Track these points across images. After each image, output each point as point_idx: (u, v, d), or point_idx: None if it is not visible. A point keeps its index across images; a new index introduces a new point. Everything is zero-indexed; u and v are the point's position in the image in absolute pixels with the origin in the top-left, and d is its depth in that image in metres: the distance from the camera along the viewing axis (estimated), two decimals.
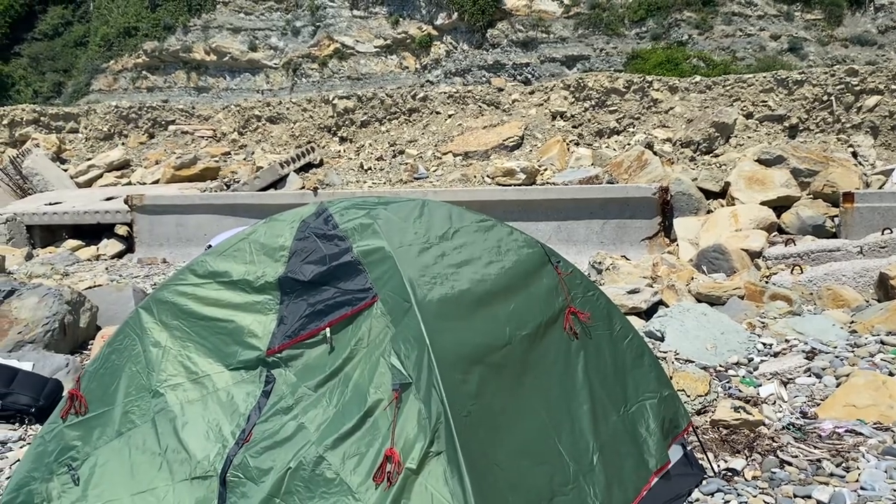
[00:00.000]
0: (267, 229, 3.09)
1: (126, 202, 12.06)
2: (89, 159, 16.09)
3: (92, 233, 12.95)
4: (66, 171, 15.73)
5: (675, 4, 16.70)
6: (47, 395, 4.79)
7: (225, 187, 13.23)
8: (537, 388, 2.91)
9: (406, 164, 12.50)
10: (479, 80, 18.39)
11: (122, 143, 16.89)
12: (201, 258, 3.17)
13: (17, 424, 4.66)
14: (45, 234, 13.09)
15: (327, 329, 2.78)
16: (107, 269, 10.89)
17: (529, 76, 18.22)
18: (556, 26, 18.09)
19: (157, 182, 14.26)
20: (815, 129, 12.15)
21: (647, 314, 6.95)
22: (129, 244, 12.45)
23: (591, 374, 3.17)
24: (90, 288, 8.05)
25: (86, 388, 3.13)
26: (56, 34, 27.49)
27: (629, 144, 12.24)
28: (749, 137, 11.83)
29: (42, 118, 17.71)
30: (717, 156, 11.50)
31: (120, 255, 12.34)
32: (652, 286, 7.53)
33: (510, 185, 10.81)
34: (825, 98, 12.14)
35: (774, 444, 3.92)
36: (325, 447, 2.61)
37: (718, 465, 3.73)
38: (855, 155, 11.42)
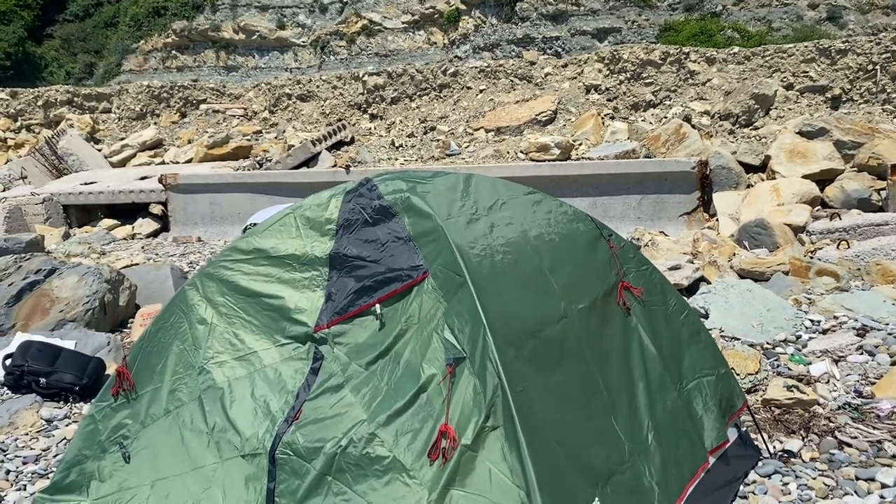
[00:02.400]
0: (312, 203, 3.02)
1: (160, 181, 12.11)
2: (122, 139, 16.18)
3: (127, 212, 13.04)
4: (99, 150, 15.84)
5: None
6: (90, 374, 4.80)
7: (257, 166, 13.23)
8: (593, 364, 2.82)
9: (437, 140, 12.39)
10: (508, 54, 18.14)
11: (155, 123, 16.96)
12: (246, 235, 3.10)
13: (61, 402, 4.68)
14: (80, 214, 13.21)
15: (377, 305, 2.71)
16: (143, 247, 10.95)
17: (560, 49, 17.92)
18: None
19: (189, 161, 14.30)
20: (859, 100, 11.80)
21: (688, 291, 6.80)
22: (163, 223, 12.52)
23: (647, 350, 3.07)
24: (128, 267, 8.09)
25: (133, 366, 3.10)
26: (87, 15, 27.69)
27: (666, 118, 11.99)
28: (790, 109, 11.52)
29: (76, 98, 17.84)
30: (756, 128, 11.22)
31: (155, 234, 12.42)
32: (693, 262, 7.37)
33: (544, 161, 10.65)
34: (870, 67, 11.77)
35: (831, 424, 3.80)
36: (377, 424, 2.55)
37: (774, 447, 3.62)
38: None
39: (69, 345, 5.20)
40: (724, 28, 16.64)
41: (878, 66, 11.71)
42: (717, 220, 9.43)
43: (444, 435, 2.37)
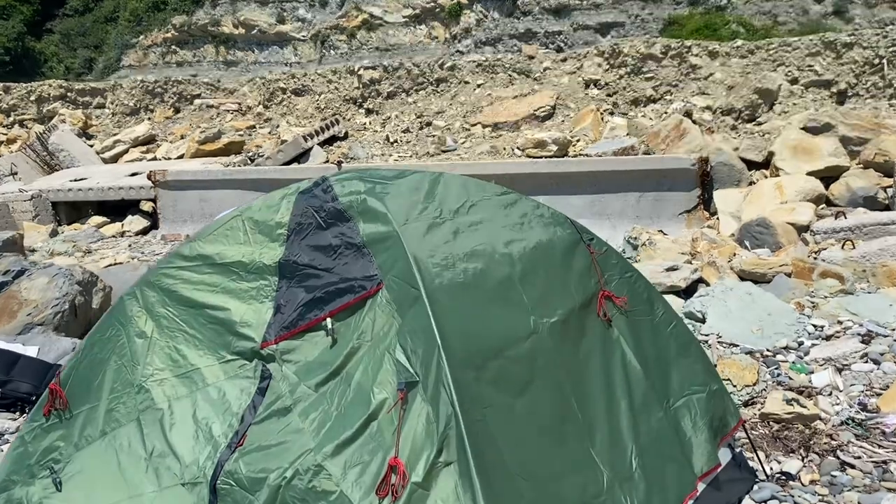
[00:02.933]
0: (262, 205, 2.76)
1: (149, 178, 11.87)
2: (115, 134, 15.94)
3: (117, 209, 12.80)
4: (92, 146, 15.60)
5: None
6: (49, 383, 4.54)
7: (249, 161, 12.97)
8: (568, 384, 2.55)
9: (433, 136, 12.11)
10: (511, 49, 17.83)
11: (149, 118, 16.71)
12: (190, 239, 2.84)
13: (17, 413, 4.43)
14: (70, 211, 12.98)
15: (328, 319, 2.44)
16: (130, 245, 10.72)
17: (562, 44, 17.62)
18: None
19: (181, 157, 14.05)
20: (866, 95, 11.47)
21: (686, 293, 6.53)
22: (153, 220, 12.28)
23: (630, 366, 2.80)
24: (109, 266, 7.85)
25: (67, 383, 2.84)
26: (86, 10, 27.43)
27: (666, 113, 11.68)
28: (794, 104, 11.21)
29: (69, 93, 17.60)
30: (759, 124, 10.92)
31: (145, 232, 12.18)
32: (691, 263, 7.10)
33: (541, 157, 10.37)
34: (876, 61, 11.44)
35: (833, 442, 3.52)
36: (324, 455, 2.29)
37: (771, 468, 3.35)
38: None
39: (31, 351, 4.95)
40: (728, 22, 16.28)
41: (884, 60, 11.38)
42: (717, 218, 9.14)
43: (393, 469, 2.11)
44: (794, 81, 11.77)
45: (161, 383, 2.68)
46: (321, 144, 12.26)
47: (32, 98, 17.62)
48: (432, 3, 19.82)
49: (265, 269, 2.65)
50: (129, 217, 12.37)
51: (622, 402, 2.72)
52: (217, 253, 2.72)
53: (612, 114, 11.96)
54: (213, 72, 22.25)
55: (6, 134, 16.90)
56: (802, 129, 10.19)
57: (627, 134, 10.98)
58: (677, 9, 17.01)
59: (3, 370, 4.46)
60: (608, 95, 12.59)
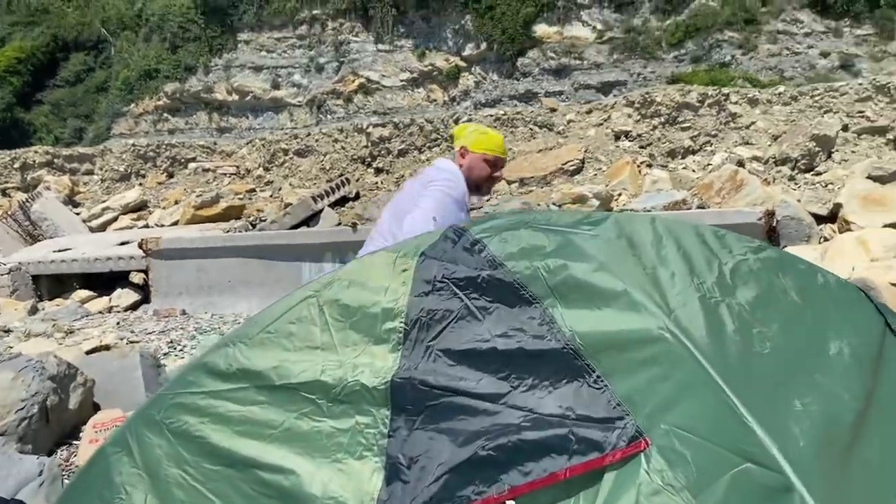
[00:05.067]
0: (353, 277, 1.58)
1: (140, 246, 10.68)
2: (104, 201, 14.82)
3: (105, 282, 11.56)
4: (78, 214, 14.46)
5: (716, 25, 15.32)
6: None
7: (251, 227, 11.82)
8: None
9: None
10: (490, 115, 17.19)
11: (140, 184, 15.64)
12: (227, 343, 1.63)
13: None
14: (52, 285, 11.73)
15: (510, 501, 1.23)
16: (118, 323, 9.47)
17: (550, 108, 16.96)
18: (589, 52, 16.92)
19: (175, 223, 12.92)
20: None
21: None
22: (145, 294, 11.03)
23: None
24: (92, 351, 6.61)
25: None
26: (78, 80, 26.72)
27: (710, 164, 10.70)
28: (853, 152, 10.24)
29: (56, 160, 16.57)
30: (819, 174, 9.91)
31: (135, 307, 10.92)
32: None
33: None
34: None
35: None
36: None
37: None
38: None
39: None
40: (734, 78, 15.58)
41: None
42: None
43: None
44: (845, 128, 10.84)
45: None
46: (331, 206, 11.16)
47: (17, 165, 16.58)
48: (430, 66, 19.21)
49: (365, 394, 1.47)
50: (118, 290, 11.12)
51: None
52: (274, 367, 1.54)
53: (650, 166, 10.95)
54: (206, 139, 21.45)
55: None
56: (868, 177, 9.22)
57: (672, 187, 9.94)
58: (679, 66, 16.31)
59: None
60: (641, 147, 11.63)
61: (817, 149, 10.00)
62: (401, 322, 1.50)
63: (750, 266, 1.63)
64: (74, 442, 4.83)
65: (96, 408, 5.26)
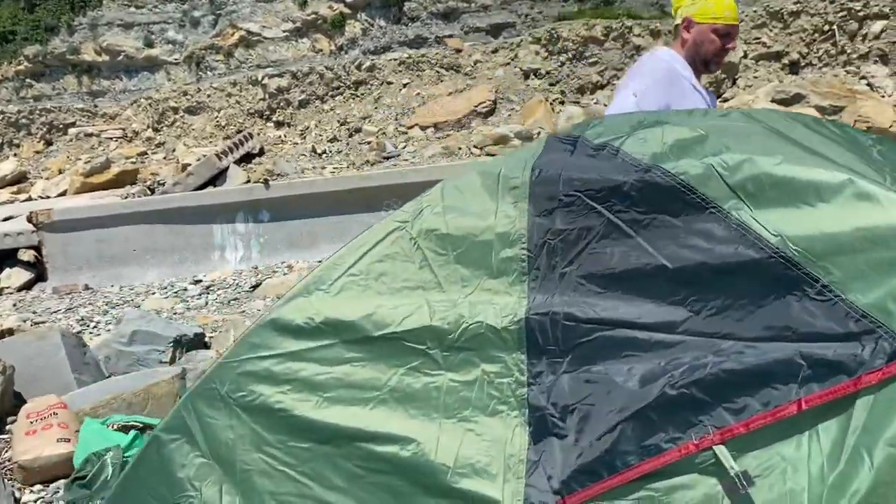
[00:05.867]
0: (447, 203, 1.30)
1: (29, 220, 9.77)
2: None
3: None
4: None
5: None
6: None
7: (149, 192, 11.06)
8: None
9: (367, 142, 10.66)
10: (394, 59, 16.81)
11: (15, 155, 14.36)
12: (299, 293, 1.33)
13: None
14: None
15: (720, 449, 1.02)
16: (15, 305, 8.67)
17: (455, 49, 16.71)
18: None
19: (63, 194, 11.93)
20: (819, 64, 10.96)
21: None
22: (38, 271, 10.14)
23: None
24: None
25: None
26: None
27: None
28: (755, 77, 10.54)
29: None
30: (726, 100, 10.15)
31: (28, 286, 10.03)
32: None
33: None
34: (826, 28, 10.93)
35: None
36: None
37: None
38: (871, 87, 10.26)
39: None
40: (619, 15, 15.66)
41: (834, 27, 10.89)
42: None
43: None
44: (743, 55, 11.12)
45: None
46: (236, 163, 10.55)
47: None
48: (314, 15, 18.42)
49: (492, 337, 1.22)
50: (7, 270, 10.17)
51: None
52: (368, 315, 1.26)
53: (562, 103, 10.92)
54: (77, 104, 19.98)
55: None
56: (772, 101, 9.51)
57: None
58: (565, 6, 16.29)
59: None
60: (551, 85, 11.57)
61: (723, 76, 10.23)
62: (522, 248, 1.25)
63: (876, 147, 1.47)
64: (1, 437, 4.32)
65: (17, 397, 4.73)
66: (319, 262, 9.41)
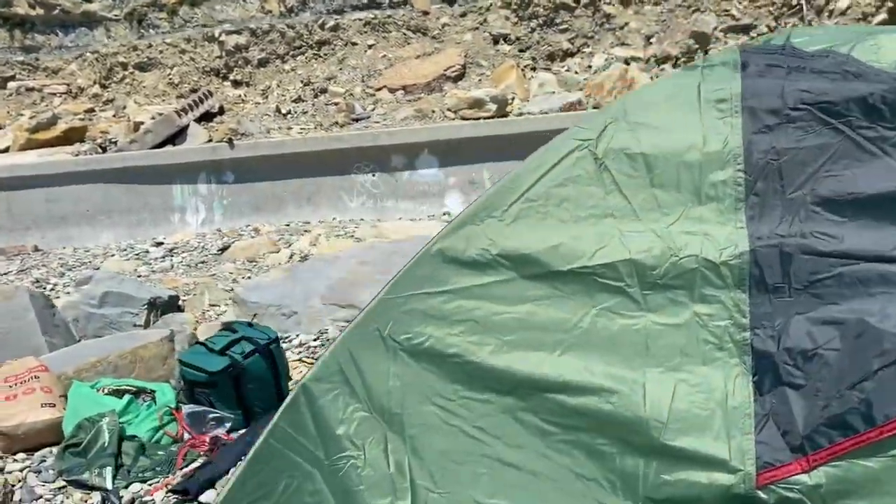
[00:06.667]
0: (636, 120, 1.13)
1: None
2: None
3: None
4: None
5: None
6: None
7: (100, 150, 10.49)
8: None
9: (334, 103, 10.32)
10: (358, 19, 16.34)
11: None
12: (467, 221, 1.13)
13: None
14: None
15: None
16: None
17: (422, 11, 16.32)
18: None
19: (6, 150, 11.24)
20: None
21: None
22: None
23: None
24: None
25: None
26: None
27: (590, 66, 10.67)
28: (726, 48, 10.53)
29: None
30: None
31: None
32: None
33: (479, 119, 8.95)
34: (794, 2, 11.02)
35: None
36: None
37: None
38: None
39: None
40: None
41: (802, 1, 10.98)
42: None
43: None
44: (714, 28, 11.13)
45: None
46: (196, 122, 10.07)
47: None
48: None
49: (706, 273, 1.06)
50: None
51: None
52: (553, 246, 1.08)
53: (533, 69, 10.75)
54: (17, 56, 18.91)
55: None
56: None
57: (561, 90, 9.80)
58: None
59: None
60: (520, 51, 11.36)
61: (696, 46, 10.21)
62: (738, 170, 1.07)
63: None
64: None
65: None
66: (287, 225, 9.04)
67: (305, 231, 8.08)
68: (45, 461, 3.30)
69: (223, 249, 7.54)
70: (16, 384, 3.57)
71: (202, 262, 7.26)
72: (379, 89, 10.70)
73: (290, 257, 7.08)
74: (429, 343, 1.14)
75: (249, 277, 6.37)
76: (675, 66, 10.23)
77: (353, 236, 7.65)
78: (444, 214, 8.40)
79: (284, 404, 1.25)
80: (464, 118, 9.01)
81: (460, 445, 1.07)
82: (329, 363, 1.21)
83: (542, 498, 1.00)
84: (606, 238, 1.12)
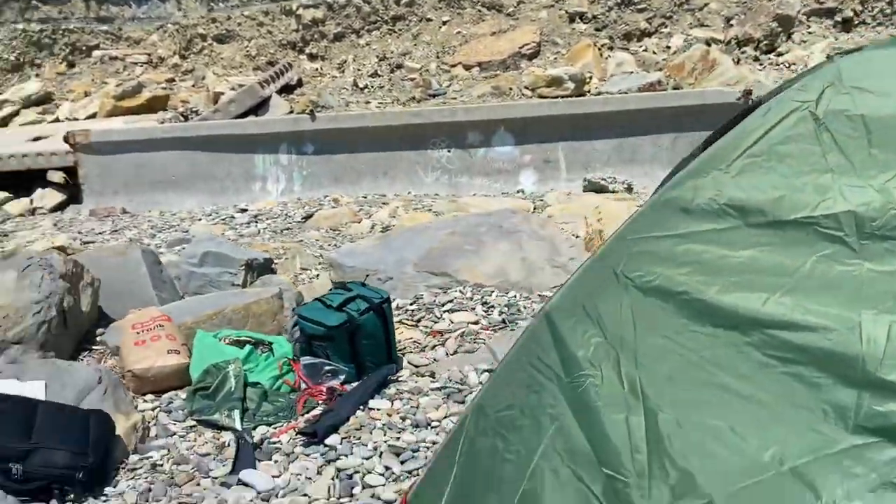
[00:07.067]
0: (854, 84, 1.22)
1: (66, 140, 9.58)
2: None
3: (17, 183, 10.36)
4: None
5: None
6: (96, 444, 2.77)
7: (182, 118, 10.81)
8: None
9: (411, 79, 10.43)
10: None
11: (37, 75, 14.00)
12: (692, 174, 1.25)
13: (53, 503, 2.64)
14: None
15: None
16: (56, 225, 8.54)
17: None
18: None
19: (93, 116, 11.67)
20: (872, 23, 10.75)
21: None
22: (71, 193, 9.97)
23: None
24: (66, 253, 5.85)
25: None
26: None
27: (668, 47, 10.56)
28: (809, 33, 10.33)
29: None
30: (781, 54, 9.96)
31: (61, 207, 9.88)
32: None
33: (557, 97, 8.96)
34: None
35: None
36: None
37: None
38: None
39: (35, 389, 3.12)
40: None
41: None
42: None
43: None
44: (798, 11, 10.89)
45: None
46: (277, 93, 10.32)
47: None
48: None
49: None
50: (40, 191, 10.01)
51: None
52: (777, 199, 1.18)
53: (610, 49, 10.69)
54: (101, 26, 19.48)
55: None
56: (828, 57, 9.37)
57: (639, 70, 9.74)
58: None
59: (21, 431, 2.65)
60: (597, 30, 11.30)
61: (779, 29, 10.02)
62: None
63: None
64: (94, 348, 4.25)
65: (100, 310, 4.65)
66: (364, 197, 9.17)
67: (383, 204, 8.24)
68: (172, 402, 3.54)
69: (307, 217, 7.75)
70: (143, 331, 3.81)
71: (287, 229, 7.48)
72: (454, 66, 10.78)
73: (372, 227, 7.25)
74: (658, 281, 1.26)
75: (335, 245, 6.56)
76: (756, 48, 10.06)
77: (430, 210, 7.78)
78: (518, 192, 8.48)
79: (529, 329, 1.38)
80: (541, 96, 9.04)
81: (686, 373, 1.19)
82: (567, 294, 1.34)
83: (760, 423, 1.11)
84: (828, 191, 1.22)
